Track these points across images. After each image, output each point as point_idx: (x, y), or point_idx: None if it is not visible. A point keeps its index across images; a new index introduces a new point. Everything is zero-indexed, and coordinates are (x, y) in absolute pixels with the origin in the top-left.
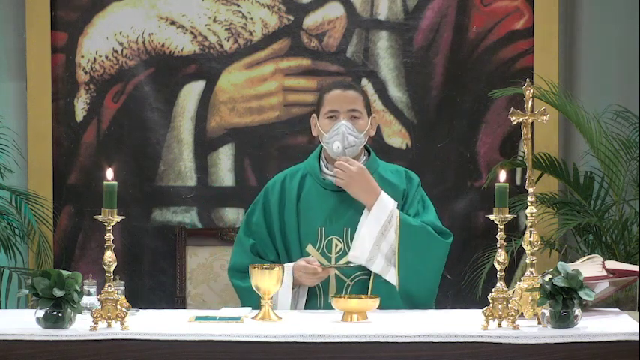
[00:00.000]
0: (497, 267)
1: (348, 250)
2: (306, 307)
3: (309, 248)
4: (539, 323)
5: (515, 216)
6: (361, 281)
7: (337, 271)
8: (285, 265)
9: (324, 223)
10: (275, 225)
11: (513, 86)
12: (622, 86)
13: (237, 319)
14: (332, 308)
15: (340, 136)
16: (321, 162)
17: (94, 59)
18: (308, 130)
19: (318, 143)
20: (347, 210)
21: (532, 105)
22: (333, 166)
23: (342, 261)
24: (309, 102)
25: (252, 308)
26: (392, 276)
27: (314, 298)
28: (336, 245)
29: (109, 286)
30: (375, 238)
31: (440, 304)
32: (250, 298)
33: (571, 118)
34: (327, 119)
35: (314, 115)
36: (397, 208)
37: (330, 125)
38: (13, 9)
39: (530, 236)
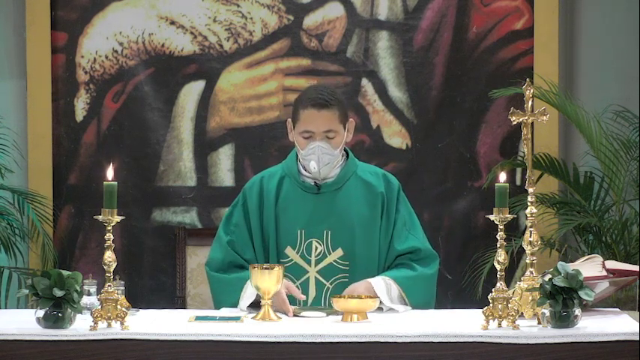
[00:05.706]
0: (498, 267)
1: (328, 253)
2: None
3: (289, 251)
4: (539, 323)
5: (515, 216)
6: (341, 284)
7: (307, 316)
8: None
9: (303, 225)
10: (255, 225)
11: (513, 86)
12: (622, 86)
13: (237, 319)
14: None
15: (316, 157)
16: (299, 165)
17: (94, 59)
18: None
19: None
20: (328, 213)
21: (532, 105)
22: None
23: (323, 264)
24: None
25: (221, 302)
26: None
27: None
28: (316, 248)
29: (109, 286)
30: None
31: (440, 304)
32: (222, 289)
33: (571, 118)
34: (302, 138)
35: (289, 120)
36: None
37: (306, 144)
38: (13, 9)
39: (530, 236)
